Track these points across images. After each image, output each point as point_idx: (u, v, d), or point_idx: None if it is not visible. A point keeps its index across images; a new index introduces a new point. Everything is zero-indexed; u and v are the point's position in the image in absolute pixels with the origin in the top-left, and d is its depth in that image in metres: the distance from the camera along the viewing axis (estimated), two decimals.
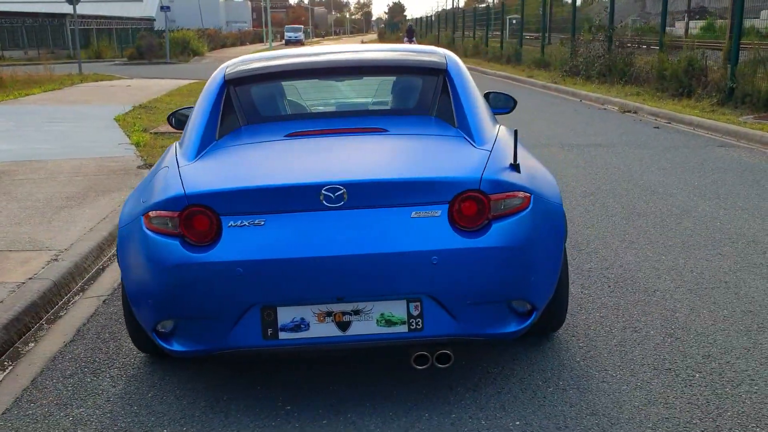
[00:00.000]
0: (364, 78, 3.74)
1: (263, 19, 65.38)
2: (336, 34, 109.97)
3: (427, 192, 2.59)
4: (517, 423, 2.70)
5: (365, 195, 2.57)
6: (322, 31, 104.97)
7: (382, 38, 61.13)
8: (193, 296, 2.59)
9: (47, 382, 3.13)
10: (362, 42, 65.11)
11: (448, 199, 2.59)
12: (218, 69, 3.60)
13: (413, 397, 2.88)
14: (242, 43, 62.62)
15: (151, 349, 3.13)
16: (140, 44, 35.57)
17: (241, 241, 2.55)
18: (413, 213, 2.58)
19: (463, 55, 29.61)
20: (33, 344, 3.55)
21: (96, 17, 56.98)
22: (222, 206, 2.57)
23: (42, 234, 5.00)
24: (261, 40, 64.11)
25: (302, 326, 2.59)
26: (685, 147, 8.53)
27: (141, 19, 58.23)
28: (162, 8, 33.42)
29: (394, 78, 3.71)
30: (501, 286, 2.65)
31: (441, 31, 38.73)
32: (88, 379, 3.14)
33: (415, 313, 2.61)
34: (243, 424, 2.72)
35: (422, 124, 3.24)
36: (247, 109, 3.44)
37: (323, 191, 2.54)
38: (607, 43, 16.02)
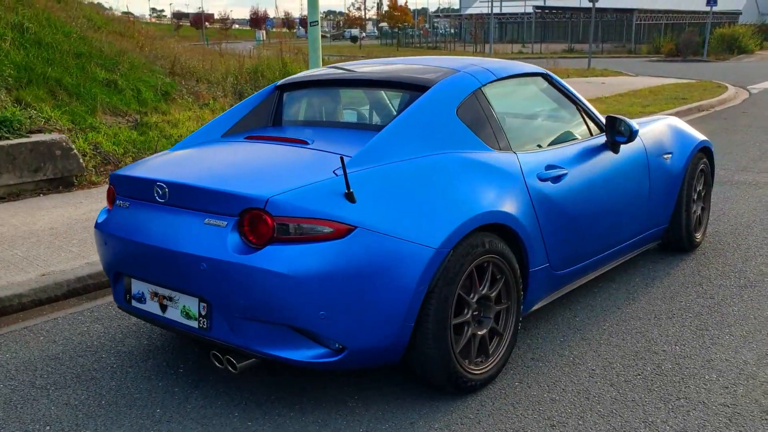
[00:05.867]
0: (375, 90, 3.73)
1: None
2: None
3: (219, 202, 2.72)
4: None
5: (179, 196, 2.85)
6: None
7: None
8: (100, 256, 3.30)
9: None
10: None
11: (235, 213, 2.69)
12: None
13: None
14: None
15: None
16: (678, 41, 34.75)
17: (113, 217, 3.13)
18: (206, 220, 2.76)
19: None
20: None
21: (667, 12, 57.21)
22: (116, 187, 3.18)
23: None
24: None
25: (142, 299, 3.05)
26: None
27: (723, 13, 56.00)
28: (709, 2, 31.85)
29: (394, 92, 3.60)
30: (274, 309, 2.63)
31: None
32: None
33: (204, 312, 2.80)
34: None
35: (356, 141, 3.18)
36: (275, 113, 3.86)
37: (155, 187, 2.92)
38: None
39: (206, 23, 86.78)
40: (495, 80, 3.49)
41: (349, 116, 3.76)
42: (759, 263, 4.60)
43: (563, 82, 3.95)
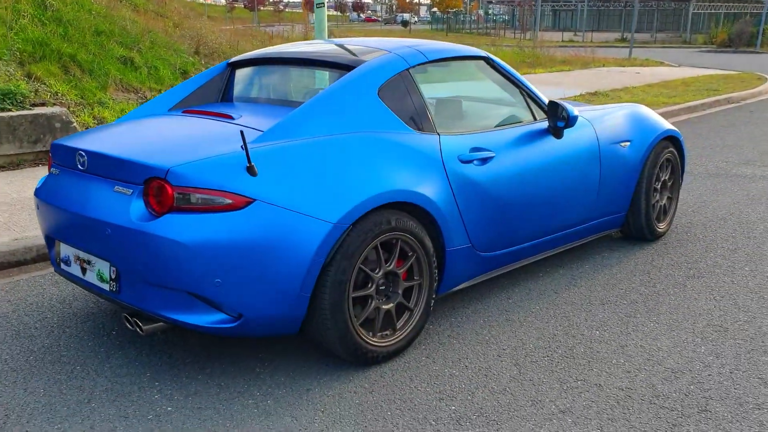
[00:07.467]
0: (314, 69, 3.81)
1: None
2: None
3: (126, 171, 2.86)
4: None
5: (95, 164, 2.99)
6: None
7: None
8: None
9: None
10: None
11: (140, 181, 2.82)
12: None
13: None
14: None
15: None
16: (731, 31, 33.74)
17: (46, 184, 3.30)
18: (115, 187, 2.90)
19: None
20: None
21: (726, 1, 55.48)
22: (52, 155, 3.35)
23: None
24: None
25: (69, 263, 3.21)
26: None
27: None
28: None
29: (327, 71, 3.67)
30: (171, 275, 2.75)
31: None
32: None
33: (113, 276, 2.95)
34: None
35: (280, 117, 3.27)
36: (225, 89, 3.98)
37: (77, 155, 3.07)
38: None
39: (260, 6, 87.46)
40: (426, 62, 3.54)
41: (289, 94, 3.86)
42: (717, 255, 4.56)
43: (507, 66, 3.96)
